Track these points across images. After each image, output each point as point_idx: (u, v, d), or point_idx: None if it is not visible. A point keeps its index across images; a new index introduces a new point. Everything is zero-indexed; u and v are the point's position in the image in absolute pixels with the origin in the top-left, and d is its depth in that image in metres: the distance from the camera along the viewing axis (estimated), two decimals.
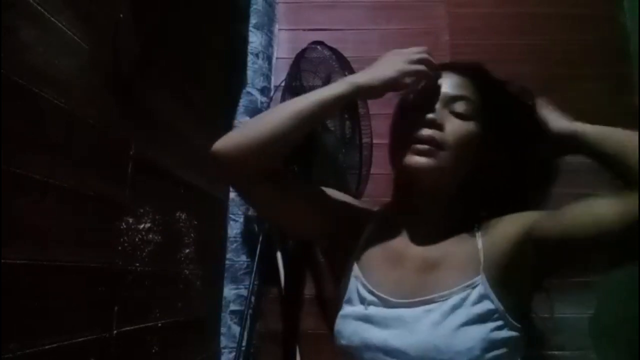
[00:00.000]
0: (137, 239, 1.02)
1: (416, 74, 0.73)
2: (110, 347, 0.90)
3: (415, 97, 0.77)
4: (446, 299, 0.66)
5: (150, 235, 1.07)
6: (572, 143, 0.77)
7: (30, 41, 0.70)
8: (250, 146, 0.69)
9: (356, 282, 0.75)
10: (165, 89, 1.18)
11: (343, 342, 0.72)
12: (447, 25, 1.94)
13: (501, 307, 0.65)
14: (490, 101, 0.77)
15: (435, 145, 0.70)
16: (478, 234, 0.72)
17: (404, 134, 0.73)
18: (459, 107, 0.74)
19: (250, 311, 1.56)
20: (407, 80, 0.73)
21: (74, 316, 0.80)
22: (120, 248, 0.95)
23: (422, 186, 0.74)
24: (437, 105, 0.73)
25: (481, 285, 0.66)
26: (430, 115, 0.71)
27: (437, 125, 0.71)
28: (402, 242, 0.76)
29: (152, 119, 1.10)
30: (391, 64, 0.74)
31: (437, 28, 1.94)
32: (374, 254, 0.77)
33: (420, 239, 0.75)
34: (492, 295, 0.65)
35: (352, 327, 0.72)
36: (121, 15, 0.96)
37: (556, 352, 1.60)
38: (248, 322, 1.55)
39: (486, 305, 0.65)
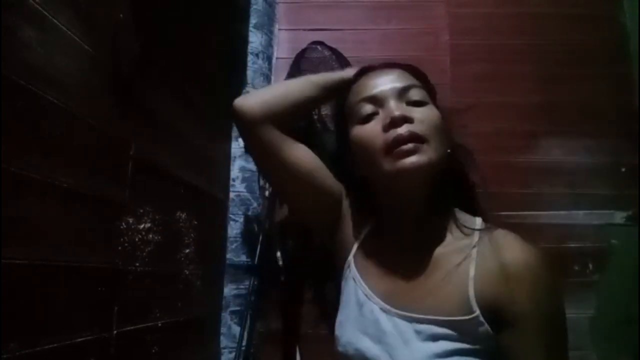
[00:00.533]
0: (137, 239, 1.02)
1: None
2: (110, 347, 0.90)
3: (362, 106, 0.73)
4: (439, 326, 0.64)
5: (150, 235, 1.07)
6: None
7: (30, 41, 0.70)
8: (273, 104, 0.78)
9: (354, 285, 0.74)
10: (165, 89, 1.18)
11: (340, 348, 0.72)
12: (447, 25, 1.94)
13: (493, 347, 0.62)
14: (428, 88, 0.76)
15: (418, 140, 0.67)
16: (474, 253, 0.68)
17: (374, 144, 0.69)
18: (414, 94, 0.72)
19: (250, 311, 1.56)
20: (372, 91, 0.74)
21: (74, 316, 0.80)
22: (120, 248, 0.95)
23: (414, 187, 0.71)
24: (393, 102, 0.70)
25: (474, 322, 0.63)
26: (396, 113, 0.68)
27: (408, 119, 0.68)
28: (397, 247, 0.75)
29: (152, 119, 1.10)
30: None
31: (437, 28, 1.94)
32: (371, 257, 0.76)
33: (411, 245, 0.73)
34: (485, 334, 0.62)
35: (347, 336, 0.72)
36: (121, 15, 0.96)
37: None
38: (248, 322, 1.55)
39: (478, 343, 0.62)
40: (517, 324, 0.61)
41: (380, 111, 0.71)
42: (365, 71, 0.78)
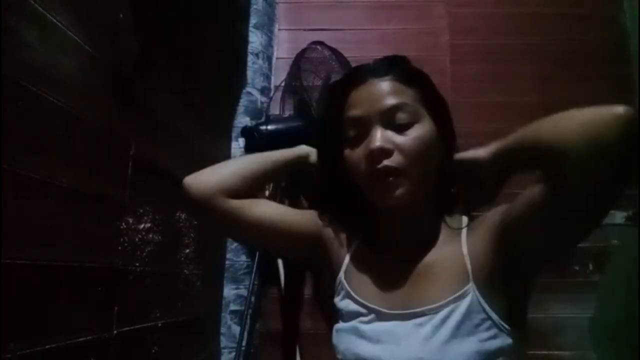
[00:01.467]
0: (137, 239, 1.02)
1: None
2: (110, 347, 0.90)
3: (349, 127, 0.73)
4: (436, 312, 0.65)
5: (150, 235, 1.07)
6: (502, 164, 0.71)
7: (30, 41, 0.70)
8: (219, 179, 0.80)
9: (347, 299, 0.75)
10: (166, 89, 1.18)
11: (339, 356, 0.73)
12: (447, 25, 1.94)
13: (494, 315, 0.64)
14: (424, 93, 0.73)
15: (395, 174, 0.68)
16: (463, 238, 0.72)
17: (359, 169, 0.71)
18: (400, 117, 0.69)
19: (250, 311, 1.56)
20: (356, 112, 0.73)
21: (74, 316, 0.80)
22: (120, 248, 0.95)
23: (399, 212, 0.73)
24: (377, 128, 0.69)
25: (471, 295, 0.65)
26: (374, 146, 0.67)
27: (387, 153, 0.68)
28: (389, 253, 0.76)
29: (152, 119, 1.10)
30: None
31: (437, 28, 1.94)
32: (363, 267, 0.77)
33: (406, 249, 0.74)
34: (483, 304, 0.64)
35: (345, 342, 0.72)
36: (121, 15, 0.96)
37: (556, 352, 1.60)
38: (248, 322, 1.55)
39: (477, 315, 0.64)
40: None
41: (366, 136, 0.70)
42: (353, 82, 0.74)
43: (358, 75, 0.75)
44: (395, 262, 0.74)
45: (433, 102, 0.73)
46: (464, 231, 0.73)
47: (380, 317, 0.70)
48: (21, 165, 0.68)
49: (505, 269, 0.65)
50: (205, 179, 0.80)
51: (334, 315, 0.78)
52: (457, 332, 0.63)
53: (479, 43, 1.91)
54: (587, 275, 1.69)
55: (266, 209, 0.80)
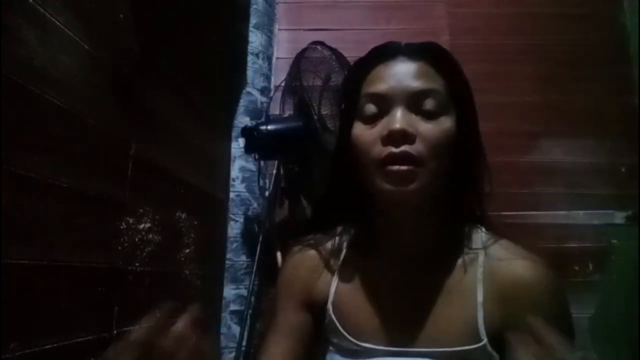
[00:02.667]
0: (137, 239, 1.02)
1: None
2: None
3: (368, 102, 0.63)
4: (445, 358, 0.58)
5: (150, 235, 1.07)
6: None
7: (30, 41, 0.70)
8: None
9: (337, 336, 0.65)
10: (165, 89, 1.18)
11: None
12: (447, 25, 1.94)
13: None
14: (457, 85, 0.65)
15: (413, 163, 0.58)
16: (479, 277, 0.61)
17: (369, 153, 0.60)
18: (429, 104, 0.61)
19: (250, 311, 1.56)
20: (379, 88, 0.62)
21: (74, 316, 0.80)
22: (120, 248, 0.95)
23: (405, 210, 0.63)
24: (399, 111, 0.60)
25: (484, 352, 0.58)
26: (396, 127, 0.58)
27: (408, 137, 0.58)
28: (383, 278, 0.66)
29: (152, 119, 1.10)
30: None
31: (437, 28, 1.93)
32: (354, 291, 0.66)
33: (408, 266, 0.65)
34: None
35: None
36: (121, 15, 0.96)
37: None
38: (248, 322, 1.55)
39: None
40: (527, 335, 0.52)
41: (385, 116, 0.61)
42: (382, 56, 0.65)
43: (388, 49, 0.66)
44: (393, 283, 0.64)
45: (464, 100, 0.65)
46: (482, 262, 0.62)
47: (376, 355, 0.61)
48: (21, 165, 0.68)
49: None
50: None
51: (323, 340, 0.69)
52: None
53: (479, 43, 1.91)
54: (587, 275, 1.69)
55: None
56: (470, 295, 0.60)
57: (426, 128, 0.60)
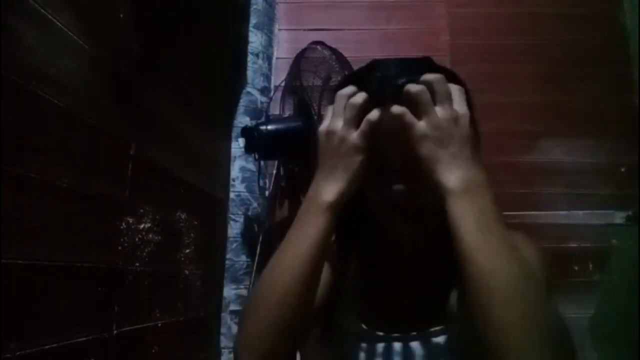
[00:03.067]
0: (137, 239, 1.02)
1: (371, 129, 0.57)
2: (110, 347, 0.90)
3: (374, 138, 0.60)
4: (433, 336, 0.64)
5: (150, 235, 1.07)
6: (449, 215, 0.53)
7: (30, 41, 0.70)
8: (274, 349, 0.57)
9: (348, 320, 0.70)
10: (165, 89, 1.18)
11: None
12: (447, 25, 1.94)
13: None
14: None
15: (417, 222, 0.61)
16: None
17: (371, 202, 0.63)
18: None
19: None
20: (368, 143, 0.58)
21: (74, 316, 0.80)
22: (120, 248, 0.95)
23: (408, 246, 0.68)
24: (400, 160, 0.59)
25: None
26: (396, 187, 0.59)
27: (410, 196, 0.59)
28: (390, 273, 0.71)
29: (152, 119, 1.10)
30: (341, 146, 0.58)
31: (437, 28, 1.94)
32: (363, 291, 0.72)
33: (410, 264, 0.70)
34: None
35: (347, 353, 0.70)
36: (121, 15, 0.96)
37: None
38: None
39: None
40: None
41: (384, 165, 0.61)
42: (373, 102, 0.59)
43: (378, 97, 0.64)
44: (399, 278, 0.70)
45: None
46: None
47: (380, 339, 0.67)
48: (21, 165, 0.68)
49: None
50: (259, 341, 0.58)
51: (328, 329, 0.73)
52: (452, 357, 0.62)
53: (479, 43, 1.91)
54: (587, 275, 1.69)
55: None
56: (454, 279, 0.63)
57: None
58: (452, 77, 0.60)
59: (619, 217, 1.71)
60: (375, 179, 0.61)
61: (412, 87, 0.54)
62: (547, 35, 1.90)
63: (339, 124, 0.58)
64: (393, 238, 0.67)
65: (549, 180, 1.77)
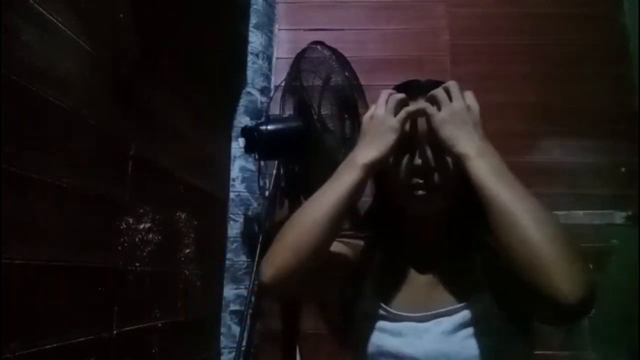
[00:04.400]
0: (137, 239, 1.02)
1: (407, 117, 0.74)
2: (110, 347, 0.90)
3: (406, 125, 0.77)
4: (456, 313, 0.71)
5: (150, 235, 1.07)
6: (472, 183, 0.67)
7: (30, 41, 0.70)
8: (296, 268, 0.68)
9: (372, 305, 0.77)
10: (165, 89, 1.18)
11: (359, 350, 0.76)
12: (447, 25, 1.94)
13: (505, 320, 0.69)
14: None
15: (431, 189, 0.73)
16: (477, 252, 0.76)
17: (398, 175, 0.76)
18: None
19: (250, 311, 1.56)
20: (406, 127, 0.74)
21: (74, 316, 0.80)
22: (120, 248, 0.95)
23: (426, 223, 0.79)
24: (421, 146, 0.74)
25: (486, 301, 0.70)
26: (417, 162, 0.74)
27: (429, 170, 0.73)
28: (412, 260, 0.80)
29: (152, 119, 1.10)
30: (381, 126, 0.73)
31: (437, 28, 1.93)
32: (386, 274, 0.80)
33: (429, 254, 0.79)
34: (496, 310, 0.69)
35: (366, 336, 0.75)
36: (121, 15, 0.96)
37: (556, 352, 1.60)
38: (248, 322, 1.55)
39: (491, 319, 0.69)
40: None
41: (409, 151, 0.75)
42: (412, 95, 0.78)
43: (411, 89, 0.80)
44: (417, 268, 0.79)
45: None
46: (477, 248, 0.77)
47: (404, 319, 0.74)
48: (21, 165, 0.68)
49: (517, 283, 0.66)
50: (272, 275, 0.69)
51: (349, 316, 0.82)
52: (474, 331, 0.69)
53: (479, 43, 1.91)
54: None
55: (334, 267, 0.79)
56: (471, 262, 0.75)
57: (443, 160, 0.74)
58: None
59: (619, 217, 1.71)
60: (401, 156, 0.75)
61: (434, 91, 0.73)
62: (547, 35, 1.90)
63: (382, 111, 0.74)
64: (412, 212, 0.79)
65: (549, 180, 1.77)
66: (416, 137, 0.76)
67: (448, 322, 0.70)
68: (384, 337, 0.74)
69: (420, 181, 0.73)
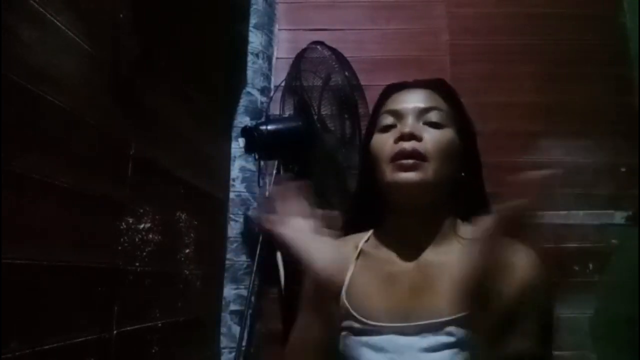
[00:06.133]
0: (137, 239, 1.02)
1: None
2: (110, 347, 0.90)
3: (384, 117, 0.80)
4: (441, 328, 0.66)
5: (150, 235, 1.07)
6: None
7: (30, 41, 0.70)
8: None
9: (348, 320, 0.73)
10: (165, 88, 1.18)
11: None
12: (446, 25, 1.94)
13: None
14: (457, 110, 0.81)
15: (419, 157, 0.72)
16: (465, 252, 0.68)
17: (383, 152, 0.75)
18: (433, 116, 0.77)
19: (250, 311, 1.56)
20: (394, 105, 0.79)
21: (74, 316, 0.80)
22: (120, 248, 0.95)
23: (411, 201, 0.75)
24: (410, 119, 0.76)
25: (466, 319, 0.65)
26: (406, 129, 0.74)
27: (416, 137, 0.73)
28: (392, 265, 0.76)
29: (152, 119, 1.10)
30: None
31: (436, 28, 1.93)
32: (364, 285, 0.75)
33: (410, 258, 0.75)
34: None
35: (347, 349, 0.72)
36: (121, 15, 0.96)
37: (556, 352, 1.60)
38: (248, 322, 1.55)
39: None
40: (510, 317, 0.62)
41: (398, 125, 0.77)
42: (398, 88, 0.83)
43: (402, 83, 0.84)
44: (402, 266, 0.75)
45: (463, 122, 0.81)
46: (467, 242, 0.72)
47: (383, 331, 0.69)
48: (21, 165, 0.68)
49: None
50: None
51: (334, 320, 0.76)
52: (461, 346, 0.64)
53: (479, 43, 1.91)
54: (587, 275, 1.69)
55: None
56: (458, 273, 0.65)
57: (431, 133, 0.75)
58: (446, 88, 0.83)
59: (619, 217, 1.71)
60: (387, 131, 0.76)
61: None
62: (547, 35, 1.90)
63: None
64: (396, 191, 0.74)
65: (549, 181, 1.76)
66: (403, 112, 0.77)
67: (432, 339, 0.65)
68: (367, 351, 0.69)
69: (407, 147, 0.72)
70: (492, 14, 1.94)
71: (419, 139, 0.73)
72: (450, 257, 0.72)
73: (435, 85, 0.82)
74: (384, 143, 0.76)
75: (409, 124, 0.75)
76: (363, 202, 0.85)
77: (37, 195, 0.71)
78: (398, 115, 0.78)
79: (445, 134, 0.76)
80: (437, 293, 0.69)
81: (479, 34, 1.92)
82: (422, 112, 0.77)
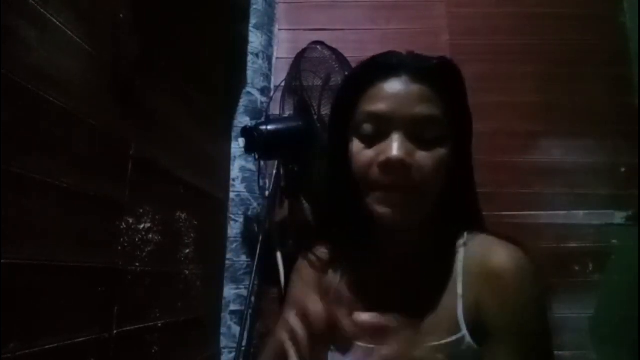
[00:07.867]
0: (137, 239, 1.02)
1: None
2: (110, 347, 0.90)
3: (365, 122, 0.63)
4: (429, 353, 0.60)
5: (150, 235, 1.07)
6: None
7: (30, 41, 0.70)
8: None
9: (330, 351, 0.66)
10: (166, 89, 1.18)
11: None
12: (446, 25, 1.94)
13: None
14: (456, 112, 0.65)
15: (409, 189, 0.59)
16: (459, 271, 0.64)
17: (366, 174, 0.61)
18: (427, 132, 0.61)
19: (250, 311, 1.56)
20: (378, 107, 0.62)
21: (74, 316, 0.80)
22: (120, 248, 0.95)
23: (396, 231, 0.66)
24: (398, 138, 0.60)
25: (465, 342, 0.60)
26: (394, 155, 0.58)
27: (406, 166, 0.59)
28: (375, 281, 0.69)
29: (152, 119, 1.10)
30: None
31: (436, 28, 1.94)
32: (346, 303, 0.68)
33: (399, 270, 0.68)
34: (477, 351, 0.60)
35: None
36: (121, 15, 0.96)
37: (556, 352, 1.60)
38: (248, 322, 1.55)
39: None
40: (499, 335, 0.59)
41: (383, 140, 0.61)
42: (383, 70, 0.64)
43: (391, 64, 0.64)
44: (384, 287, 0.67)
45: (461, 120, 0.66)
46: (462, 258, 0.65)
47: (367, 354, 0.62)
48: (21, 165, 0.68)
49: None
50: None
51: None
52: None
53: (479, 43, 1.91)
54: (587, 275, 1.69)
55: None
56: (451, 290, 0.63)
57: (423, 157, 0.60)
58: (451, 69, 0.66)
59: (619, 217, 1.71)
60: (369, 144, 0.62)
61: None
62: (547, 35, 1.90)
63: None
64: (385, 219, 0.62)
65: (549, 180, 1.77)
66: (391, 121, 0.60)
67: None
68: None
69: (396, 181, 0.59)
70: (492, 14, 1.94)
71: (408, 169, 0.59)
72: (438, 270, 0.66)
73: (434, 77, 0.63)
74: (366, 161, 0.61)
75: (397, 147, 0.59)
76: (340, 212, 0.71)
77: (37, 195, 0.71)
78: (382, 123, 0.61)
79: (440, 154, 0.61)
80: (423, 313, 0.63)
81: (479, 34, 1.92)
82: (414, 125, 0.60)
